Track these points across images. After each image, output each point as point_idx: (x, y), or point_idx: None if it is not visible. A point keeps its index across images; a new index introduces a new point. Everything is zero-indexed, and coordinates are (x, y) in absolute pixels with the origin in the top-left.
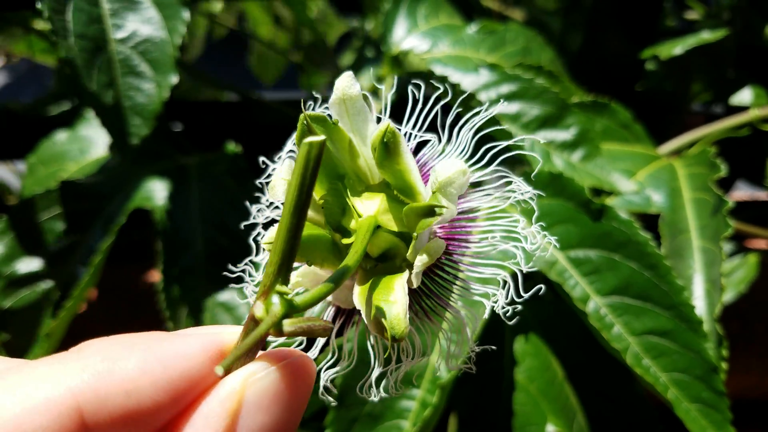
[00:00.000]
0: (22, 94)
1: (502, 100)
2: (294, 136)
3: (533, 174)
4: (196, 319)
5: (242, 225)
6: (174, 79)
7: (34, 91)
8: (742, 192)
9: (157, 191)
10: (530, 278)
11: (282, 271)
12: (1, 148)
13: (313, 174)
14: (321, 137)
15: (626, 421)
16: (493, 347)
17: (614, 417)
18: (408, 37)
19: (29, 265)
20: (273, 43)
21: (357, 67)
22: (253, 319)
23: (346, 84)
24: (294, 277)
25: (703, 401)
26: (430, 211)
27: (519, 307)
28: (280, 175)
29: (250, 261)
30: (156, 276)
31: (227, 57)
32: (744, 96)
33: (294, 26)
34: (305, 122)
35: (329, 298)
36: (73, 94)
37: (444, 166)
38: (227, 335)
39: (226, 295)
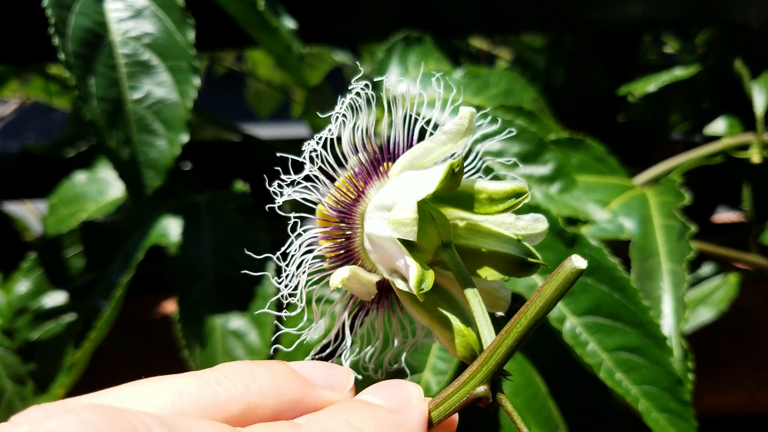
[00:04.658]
0: (29, 130)
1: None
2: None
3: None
4: (209, 347)
5: (249, 256)
6: (185, 138)
7: (40, 126)
8: (730, 214)
9: (171, 228)
10: (515, 300)
11: (505, 362)
12: (20, 188)
13: (562, 295)
14: (583, 264)
15: None
16: None
17: (593, 429)
18: (400, 83)
19: (54, 299)
20: (271, 82)
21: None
22: (477, 399)
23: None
24: (339, 278)
25: (670, 411)
26: (525, 264)
27: None
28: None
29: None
30: (167, 307)
31: (224, 88)
32: (718, 126)
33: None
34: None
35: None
36: (97, 148)
37: (536, 219)
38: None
39: (237, 323)
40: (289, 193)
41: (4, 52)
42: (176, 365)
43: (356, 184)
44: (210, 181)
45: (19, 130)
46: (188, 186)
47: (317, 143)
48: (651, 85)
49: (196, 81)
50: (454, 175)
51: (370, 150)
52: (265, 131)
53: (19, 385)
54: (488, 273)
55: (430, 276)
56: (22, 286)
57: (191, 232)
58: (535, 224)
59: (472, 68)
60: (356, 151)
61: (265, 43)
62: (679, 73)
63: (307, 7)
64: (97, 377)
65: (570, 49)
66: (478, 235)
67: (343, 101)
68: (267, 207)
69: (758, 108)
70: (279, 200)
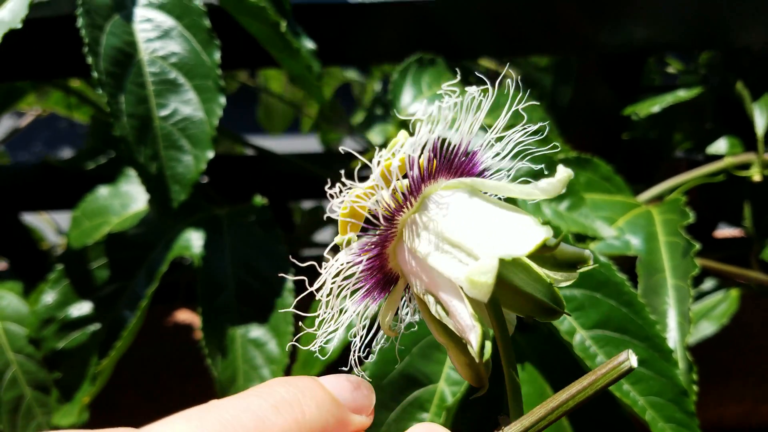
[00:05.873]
0: (35, 140)
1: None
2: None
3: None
4: (230, 355)
5: (268, 268)
6: (210, 154)
7: (46, 137)
8: (731, 230)
9: (194, 240)
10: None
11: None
12: (39, 199)
13: (610, 385)
14: (633, 362)
15: None
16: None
17: None
18: (414, 103)
19: (80, 309)
20: (283, 97)
21: (367, 124)
22: None
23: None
24: (388, 321)
25: (676, 421)
26: (550, 311)
27: None
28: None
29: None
30: (179, 316)
31: (232, 102)
32: (720, 145)
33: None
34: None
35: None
36: (118, 162)
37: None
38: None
39: (257, 332)
40: (348, 201)
41: (31, 68)
42: (189, 373)
43: (408, 189)
44: (227, 194)
45: (27, 140)
46: (208, 199)
47: (396, 152)
48: (656, 106)
49: (222, 100)
50: (545, 248)
51: (431, 160)
52: (270, 144)
53: (39, 392)
54: (510, 308)
55: (489, 342)
56: (49, 296)
57: (213, 244)
58: (571, 274)
59: (483, 89)
60: (418, 158)
61: (286, 63)
62: (682, 94)
63: (324, 30)
64: (111, 385)
65: (576, 70)
66: (508, 262)
67: (430, 107)
68: (325, 216)
69: (759, 128)
70: (334, 203)
